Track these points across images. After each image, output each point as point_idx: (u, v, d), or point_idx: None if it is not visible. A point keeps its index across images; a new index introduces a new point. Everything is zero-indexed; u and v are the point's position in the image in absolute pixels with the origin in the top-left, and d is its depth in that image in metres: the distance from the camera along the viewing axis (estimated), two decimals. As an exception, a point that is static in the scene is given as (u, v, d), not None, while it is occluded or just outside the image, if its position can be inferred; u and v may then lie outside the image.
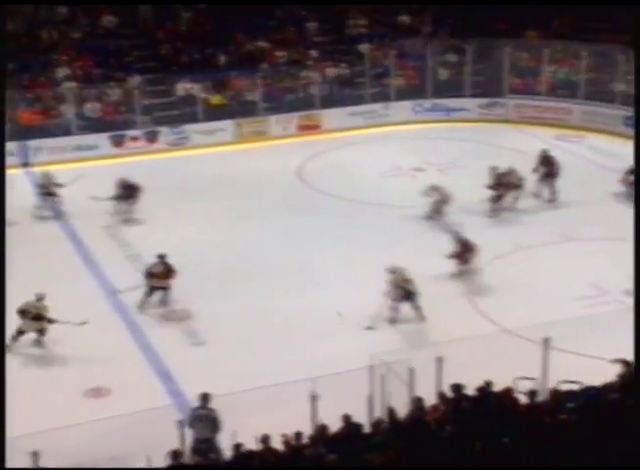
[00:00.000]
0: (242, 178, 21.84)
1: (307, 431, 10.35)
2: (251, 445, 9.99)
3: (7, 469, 9.32)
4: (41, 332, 14.45)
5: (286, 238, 18.48)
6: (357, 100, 26.05)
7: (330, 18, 27.88)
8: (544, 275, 16.64)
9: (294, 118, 25.39)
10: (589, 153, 23.35)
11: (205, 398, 11.36)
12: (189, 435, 10.88)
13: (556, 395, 10.69)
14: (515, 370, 11.36)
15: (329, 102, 25.70)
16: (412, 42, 27.11)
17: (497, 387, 10.72)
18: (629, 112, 24.32)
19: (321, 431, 10.28)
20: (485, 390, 10.71)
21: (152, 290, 15.77)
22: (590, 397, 10.47)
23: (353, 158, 23.48)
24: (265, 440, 10.04)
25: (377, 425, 10.54)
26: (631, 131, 23.99)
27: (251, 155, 23.78)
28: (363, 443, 9.95)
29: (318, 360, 13.55)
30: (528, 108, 25.98)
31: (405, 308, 15.17)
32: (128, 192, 19.45)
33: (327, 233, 18.67)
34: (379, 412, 11.17)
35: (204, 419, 11.20)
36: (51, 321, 14.35)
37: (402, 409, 10.69)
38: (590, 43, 25.30)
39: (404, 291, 15.13)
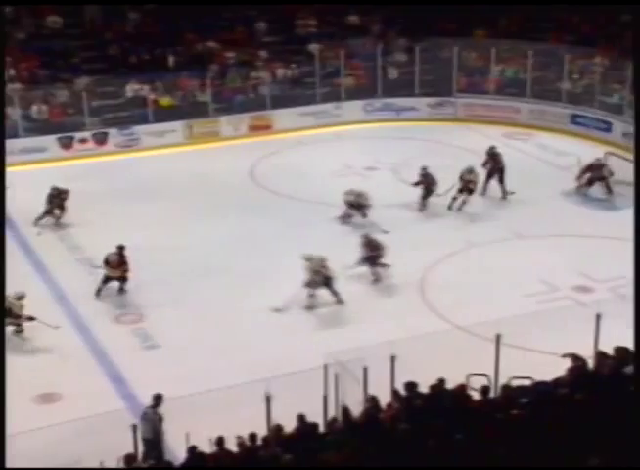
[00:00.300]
0: (193, 180, 21.69)
1: (262, 432, 10.32)
2: (206, 447, 9.94)
3: (7, 469, 9.26)
4: (17, 327, 14.50)
5: (239, 239, 18.41)
6: (308, 100, 25.96)
7: (279, 18, 27.78)
8: (495, 272, 16.77)
9: (245, 119, 25.26)
10: (538, 151, 23.61)
11: (156, 398, 11.30)
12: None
13: (508, 390, 10.75)
14: (468, 367, 11.46)
15: (280, 102, 25.58)
16: (361, 42, 27.12)
17: (450, 384, 10.76)
18: (575, 110, 24.70)
19: (276, 431, 10.26)
20: (439, 387, 10.74)
21: (106, 279, 15.87)
22: (541, 392, 10.55)
23: (305, 158, 23.45)
24: (220, 442, 10.00)
25: (331, 424, 10.53)
26: (578, 129, 24.46)
27: (202, 156, 23.61)
28: (318, 442, 9.91)
29: (272, 361, 13.55)
30: (477, 106, 26.16)
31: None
32: (59, 200, 19.17)
33: (280, 233, 18.62)
34: (333, 412, 11.18)
35: (146, 419, 11.18)
36: (31, 319, 14.44)
37: (357, 408, 10.69)
38: (536, 42, 25.56)
39: (322, 277, 15.27)
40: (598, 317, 12.39)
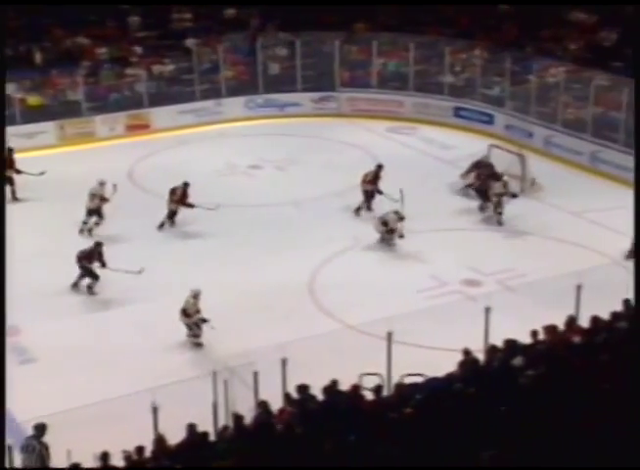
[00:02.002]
0: (68, 183, 20.62)
1: (150, 444, 9.92)
2: (90, 463, 9.49)
3: (7, 469, 8.93)
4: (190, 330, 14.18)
5: (119, 243, 17.69)
6: (187, 97, 25.35)
7: (153, 12, 26.92)
8: (385, 269, 16.66)
9: (121, 118, 24.42)
10: (422, 144, 23.62)
11: (38, 428, 10.65)
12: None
13: (400, 388, 10.63)
14: (361, 366, 11.33)
15: (157, 100, 24.89)
16: (240, 36, 26.67)
17: (344, 384, 10.57)
18: (458, 103, 24.88)
19: (160, 443, 9.94)
20: (332, 388, 10.56)
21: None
22: (433, 388, 10.44)
23: (186, 157, 22.85)
24: (104, 457, 9.62)
25: (222, 432, 10.29)
26: (461, 122, 24.64)
27: (76, 158, 22.65)
28: (208, 451, 9.64)
29: (159, 370, 13.14)
30: (360, 101, 26.04)
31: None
32: None
33: (162, 236, 18.07)
34: (224, 419, 10.83)
35: (30, 450, 10.54)
36: (203, 320, 13.99)
37: (249, 414, 10.40)
38: (417, 35, 25.61)
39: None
40: (487, 310, 12.38)
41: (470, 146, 22.36)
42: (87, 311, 15.30)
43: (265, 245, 17.64)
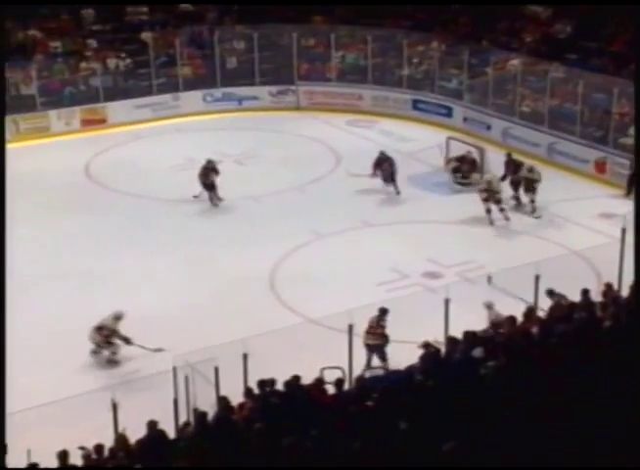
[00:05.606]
0: (23, 179, 20.22)
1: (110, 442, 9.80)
2: (50, 463, 9.31)
3: (7, 469, 8.88)
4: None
5: (77, 240, 17.48)
6: (144, 91, 25.11)
7: (108, 5, 26.58)
8: (345, 262, 16.61)
9: (76, 113, 24.08)
10: (382, 137, 23.59)
11: None
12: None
13: (361, 382, 10.61)
14: (323, 360, 11.33)
15: (113, 94, 24.62)
16: (197, 29, 26.45)
17: (306, 379, 10.49)
18: (416, 95, 24.92)
19: (121, 441, 9.80)
20: (293, 383, 10.49)
21: None
22: (394, 381, 10.45)
23: (144, 152, 22.65)
24: (63, 456, 9.43)
25: (183, 429, 10.19)
26: (420, 114, 24.68)
27: (31, 153, 22.23)
28: (169, 449, 9.48)
29: (118, 367, 12.97)
30: (319, 94, 25.99)
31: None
32: None
33: (121, 233, 17.84)
34: (185, 416, 10.74)
35: None
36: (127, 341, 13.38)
37: (210, 410, 10.27)
38: (374, 28, 25.61)
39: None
40: (447, 302, 12.41)
41: (428, 138, 22.42)
42: (45, 308, 14.99)
43: (225, 239, 17.54)
